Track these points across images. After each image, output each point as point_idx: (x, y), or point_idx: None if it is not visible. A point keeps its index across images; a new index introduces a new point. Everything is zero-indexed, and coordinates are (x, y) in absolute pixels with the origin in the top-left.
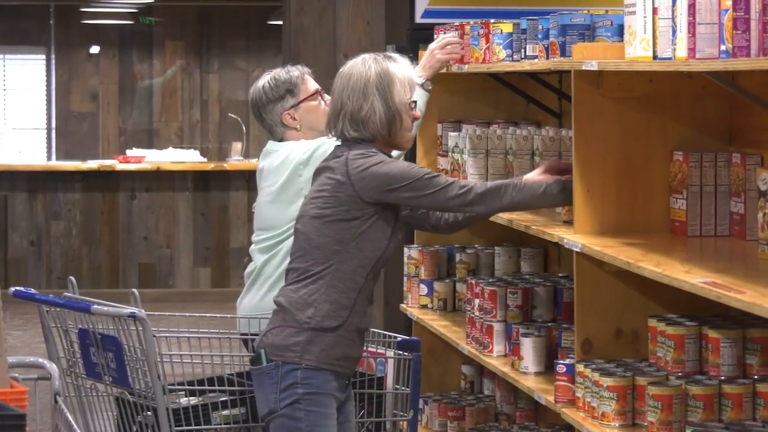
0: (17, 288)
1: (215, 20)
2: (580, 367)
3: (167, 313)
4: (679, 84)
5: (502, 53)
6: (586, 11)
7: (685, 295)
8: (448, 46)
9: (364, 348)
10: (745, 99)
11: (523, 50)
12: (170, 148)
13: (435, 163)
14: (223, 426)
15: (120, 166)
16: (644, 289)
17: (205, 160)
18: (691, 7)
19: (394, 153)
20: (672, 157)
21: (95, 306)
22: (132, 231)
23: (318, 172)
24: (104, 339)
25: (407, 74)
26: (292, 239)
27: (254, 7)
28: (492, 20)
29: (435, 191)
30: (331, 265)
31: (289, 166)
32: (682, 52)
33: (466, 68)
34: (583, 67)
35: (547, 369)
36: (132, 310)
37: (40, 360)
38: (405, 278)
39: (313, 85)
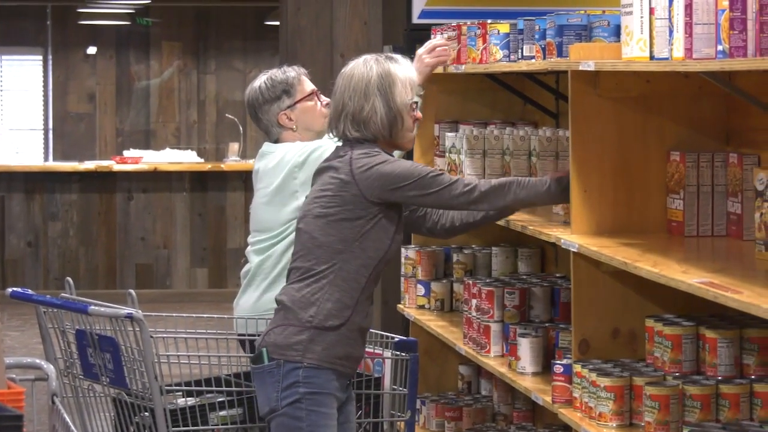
0: (14, 289)
1: (212, 21)
2: (577, 368)
3: (164, 314)
4: (676, 84)
5: (499, 53)
6: (583, 11)
7: (682, 296)
8: (437, 49)
9: None
10: (742, 99)
11: (520, 50)
12: (167, 149)
13: (432, 163)
14: (220, 426)
15: (117, 167)
16: (641, 289)
17: (202, 160)
18: (688, 8)
19: (396, 153)
20: (669, 158)
21: (92, 307)
22: (129, 232)
23: (320, 172)
24: (101, 340)
25: (409, 75)
26: (286, 241)
27: (251, 7)
28: (489, 21)
29: (440, 189)
30: (335, 265)
31: (285, 169)
32: (679, 52)
33: (463, 68)
34: (580, 68)
35: (545, 369)
36: (129, 311)
37: (38, 361)
38: (402, 278)
39: (309, 85)
